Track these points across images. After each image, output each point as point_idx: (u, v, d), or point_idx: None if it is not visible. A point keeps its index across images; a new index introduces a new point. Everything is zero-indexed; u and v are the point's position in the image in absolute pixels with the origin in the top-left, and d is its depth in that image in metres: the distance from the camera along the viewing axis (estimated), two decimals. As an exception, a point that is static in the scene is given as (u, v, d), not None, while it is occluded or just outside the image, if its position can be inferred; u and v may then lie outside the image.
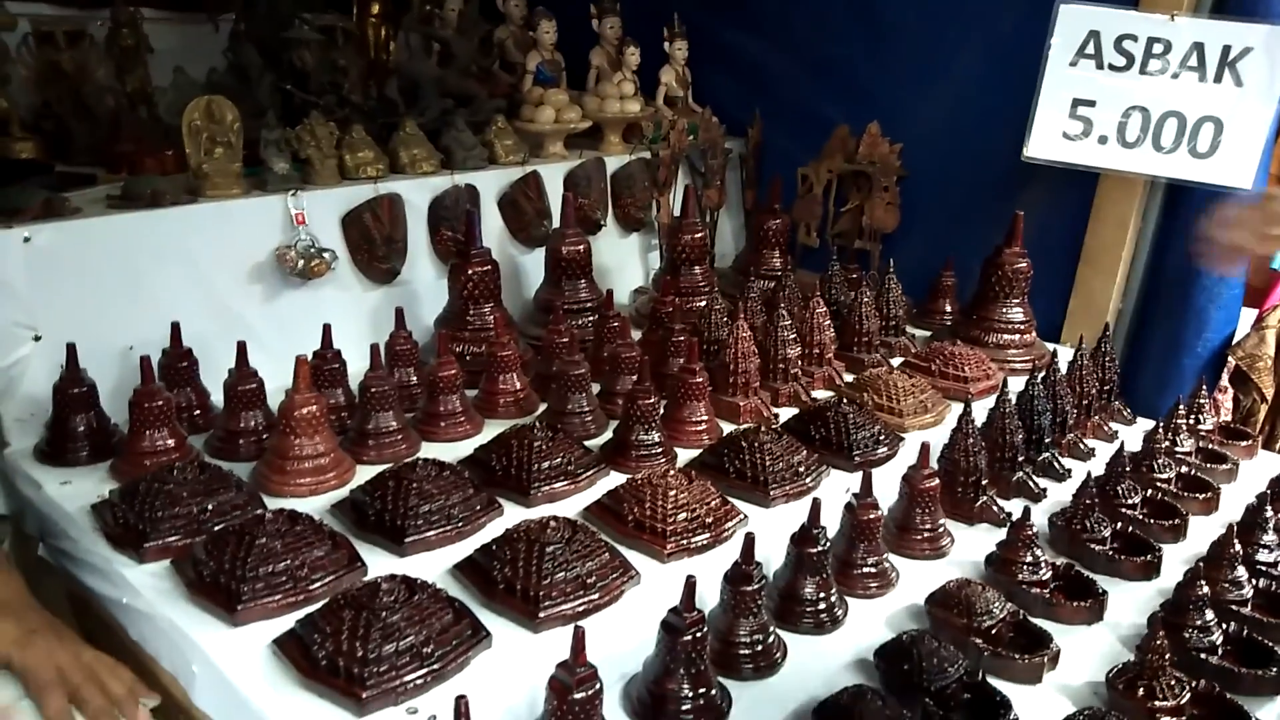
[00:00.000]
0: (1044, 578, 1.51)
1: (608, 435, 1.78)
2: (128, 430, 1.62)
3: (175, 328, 1.74)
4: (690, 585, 1.19)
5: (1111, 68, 2.19)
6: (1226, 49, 2.11)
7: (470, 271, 2.00)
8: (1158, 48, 2.16)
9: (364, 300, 2.11)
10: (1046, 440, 1.94)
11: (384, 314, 1.99)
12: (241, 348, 1.68)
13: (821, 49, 2.84)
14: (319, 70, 2.35)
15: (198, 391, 1.78)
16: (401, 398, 1.80)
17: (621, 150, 2.68)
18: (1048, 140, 2.24)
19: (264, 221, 1.94)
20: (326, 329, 1.78)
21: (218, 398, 1.76)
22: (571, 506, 1.56)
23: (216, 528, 1.36)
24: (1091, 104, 2.21)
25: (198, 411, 1.78)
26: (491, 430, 1.76)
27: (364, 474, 1.60)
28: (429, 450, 1.72)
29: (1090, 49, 2.19)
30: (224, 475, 1.47)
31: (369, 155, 2.14)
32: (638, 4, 2.84)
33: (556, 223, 2.28)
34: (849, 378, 2.14)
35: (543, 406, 1.90)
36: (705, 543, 1.44)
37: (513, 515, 1.51)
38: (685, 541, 1.42)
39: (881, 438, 1.82)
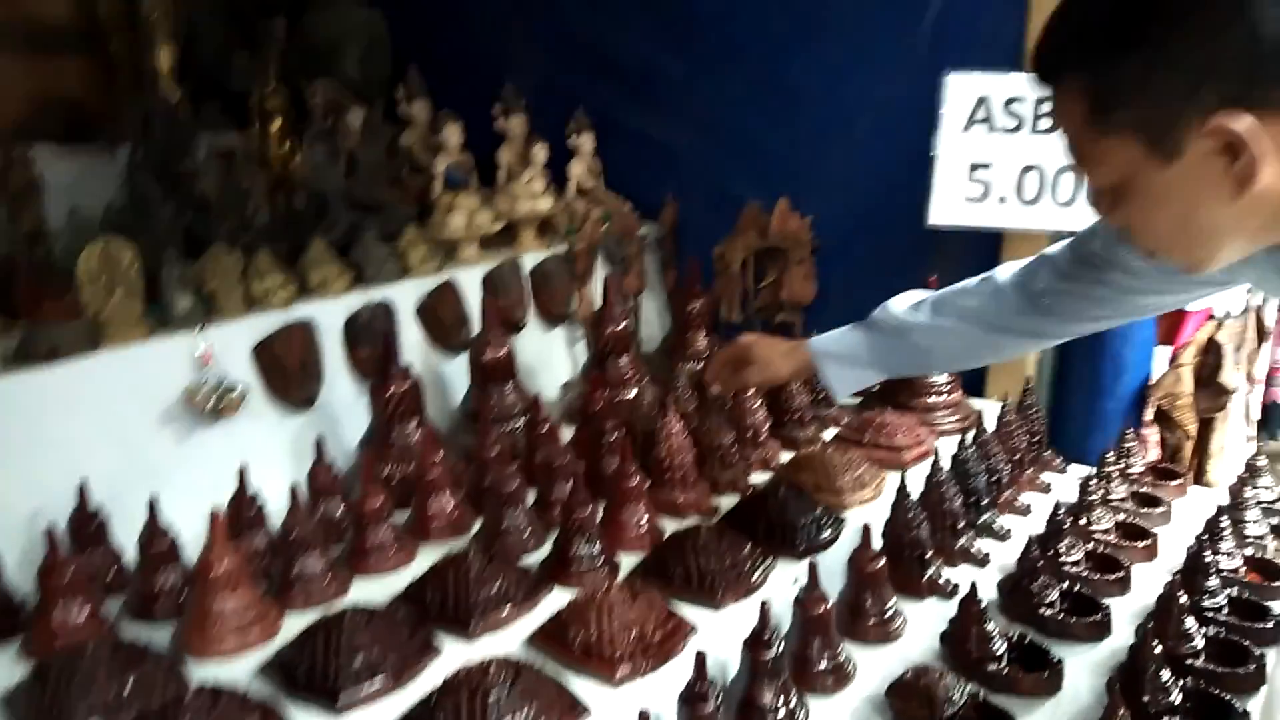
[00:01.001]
0: (999, 652, 1.50)
1: (548, 548, 1.73)
2: (36, 604, 1.51)
3: (82, 488, 1.65)
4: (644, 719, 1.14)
5: (1003, 130, 2.26)
6: (1108, 103, 2.19)
7: (391, 391, 1.95)
8: (1045, 107, 2.24)
9: (282, 430, 2.04)
10: (984, 502, 1.95)
11: (304, 442, 1.92)
12: (152, 505, 1.60)
13: (727, 127, 2.90)
14: (221, 195, 2.30)
15: (110, 552, 1.68)
16: (328, 534, 1.72)
17: (538, 247, 2.67)
18: (949, 205, 2.30)
19: (170, 363, 1.87)
20: (243, 472, 1.71)
21: (135, 553, 1.67)
22: (515, 633, 1.50)
23: (134, 713, 1.27)
24: (988, 166, 2.27)
25: (113, 572, 1.68)
26: (425, 556, 1.70)
27: (292, 622, 1.52)
28: (360, 587, 1.65)
29: (981, 114, 2.27)
30: (140, 650, 1.38)
31: (277, 280, 2.09)
32: (542, 99, 2.87)
33: (477, 328, 2.25)
34: (785, 456, 2.13)
35: (478, 521, 1.84)
36: (655, 663, 1.40)
37: (453, 653, 1.44)
38: (635, 664, 1.38)
39: (823, 521, 1.81)
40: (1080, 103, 1.03)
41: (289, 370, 2.04)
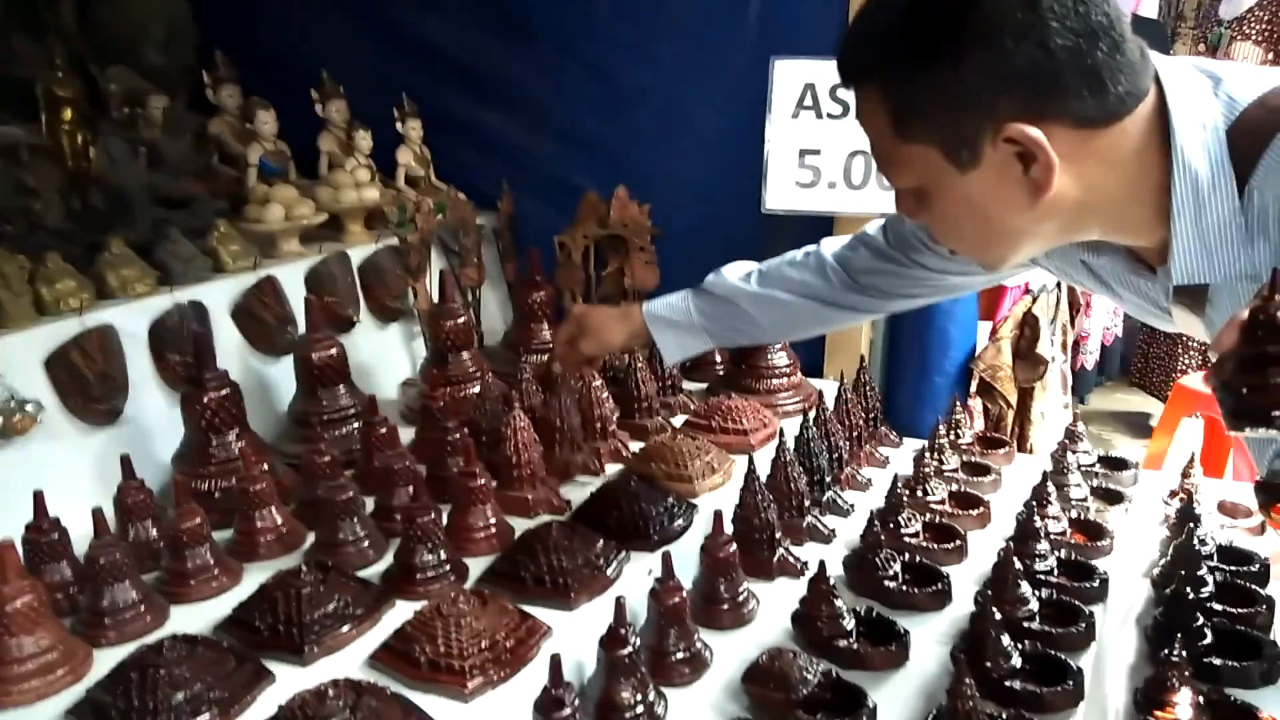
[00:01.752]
0: (848, 628, 1.52)
1: (389, 559, 1.63)
2: None
3: None
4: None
5: (829, 116, 2.31)
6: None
7: (206, 399, 1.79)
8: (867, 95, 2.30)
9: (84, 449, 1.85)
10: (827, 479, 1.99)
11: (110, 461, 1.74)
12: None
13: (561, 116, 2.85)
14: (4, 195, 2.06)
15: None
16: (140, 559, 1.56)
17: (366, 239, 2.54)
18: (782, 191, 2.34)
19: (-55, 379, 1.66)
20: (39, 498, 1.53)
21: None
22: (355, 654, 1.40)
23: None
24: (817, 152, 2.32)
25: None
26: (253, 577, 1.57)
27: (104, 659, 1.37)
28: (179, 616, 1.51)
29: (808, 100, 2.31)
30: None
31: (70, 285, 1.89)
32: (363, 85, 2.73)
33: (302, 328, 2.11)
34: (635, 446, 2.11)
35: (311, 536, 1.72)
36: (509, 671, 1.33)
37: (287, 679, 1.33)
38: (487, 674, 1.31)
39: (676, 510, 1.79)
40: (880, 109, 1.05)
41: (88, 382, 1.84)
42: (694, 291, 1.75)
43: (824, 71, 2.30)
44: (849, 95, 2.28)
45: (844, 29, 2.30)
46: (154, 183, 2.29)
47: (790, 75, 2.31)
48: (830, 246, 1.63)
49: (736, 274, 1.71)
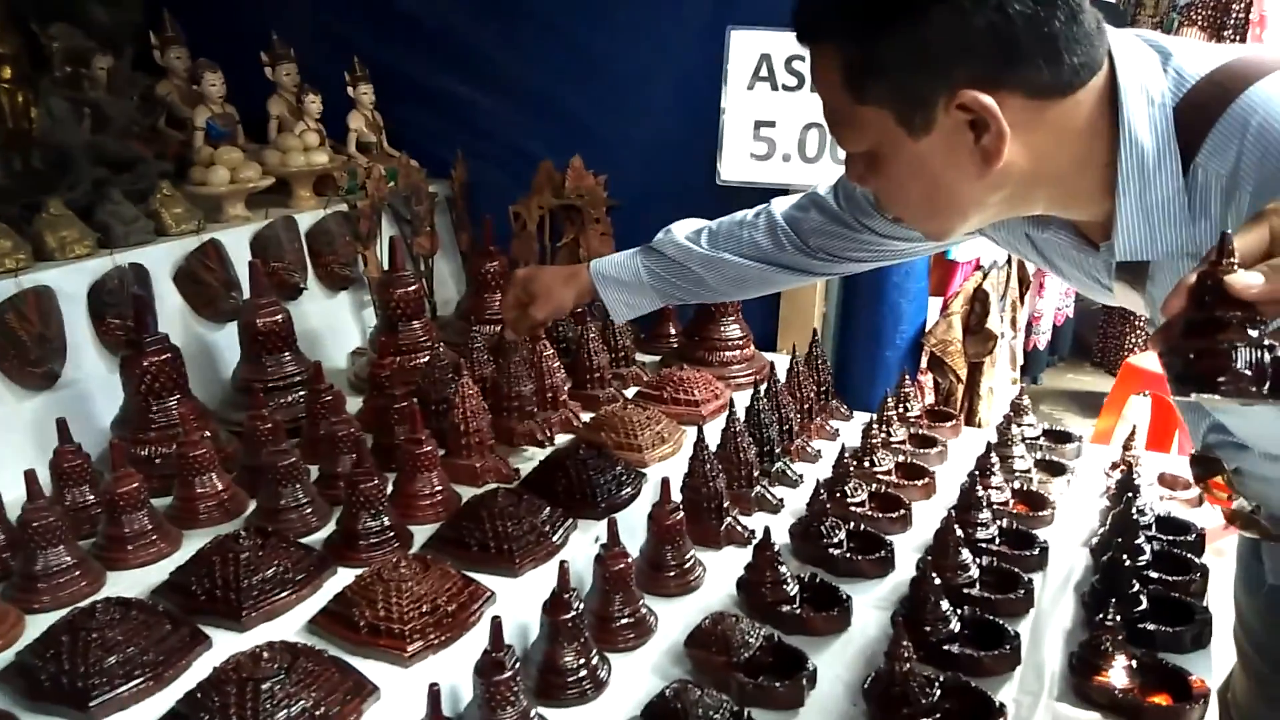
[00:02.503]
0: (792, 593, 1.54)
1: (334, 526, 1.62)
2: None
3: None
4: (434, 695, 1.08)
5: (785, 88, 2.31)
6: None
7: (146, 363, 1.75)
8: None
9: (20, 413, 1.80)
10: (777, 450, 2.00)
11: (47, 425, 1.70)
12: None
13: (517, 83, 2.81)
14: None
15: None
16: (77, 524, 1.53)
17: (315, 205, 2.49)
18: (737, 163, 2.33)
19: None
20: (-33, 460, 1.49)
21: None
22: (295, 620, 1.38)
23: None
24: (772, 125, 2.32)
25: None
26: (193, 544, 1.54)
27: (37, 626, 1.34)
28: (116, 582, 1.48)
29: (764, 71, 2.30)
30: None
31: (5, 245, 1.83)
32: (314, 48, 2.67)
33: (247, 293, 2.07)
34: (586, 417, 2.10)
35: (254, 504, 1.70)
36: (450, 636, 1.32)
37: (225, 645, 1.31)
38: (427, 638, 1.30)
39: (624, 479, 1.79)
40: (836, 69, 1.04)
41: (24, 344, 1.79)
42: (643, 250, 1.73)
43: (780, 43, 2.29)
44: (805, 65, 2.31)
45: (800, -1, 2.32)
46: (96, 143, 2.23)
47: (746, 46, 2.29)
48: (780, 206, 1.62)
49: (685, 232, 1.69)
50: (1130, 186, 1.01)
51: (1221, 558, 1.66)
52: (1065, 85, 0.99)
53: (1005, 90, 0.97)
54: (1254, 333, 0.72)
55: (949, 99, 0.98)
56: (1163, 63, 1.02)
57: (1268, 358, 0.71)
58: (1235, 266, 0.73)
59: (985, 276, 2.74)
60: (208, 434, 1.69)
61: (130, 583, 1.48)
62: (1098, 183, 1.04)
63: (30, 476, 1.45)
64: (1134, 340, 5.36)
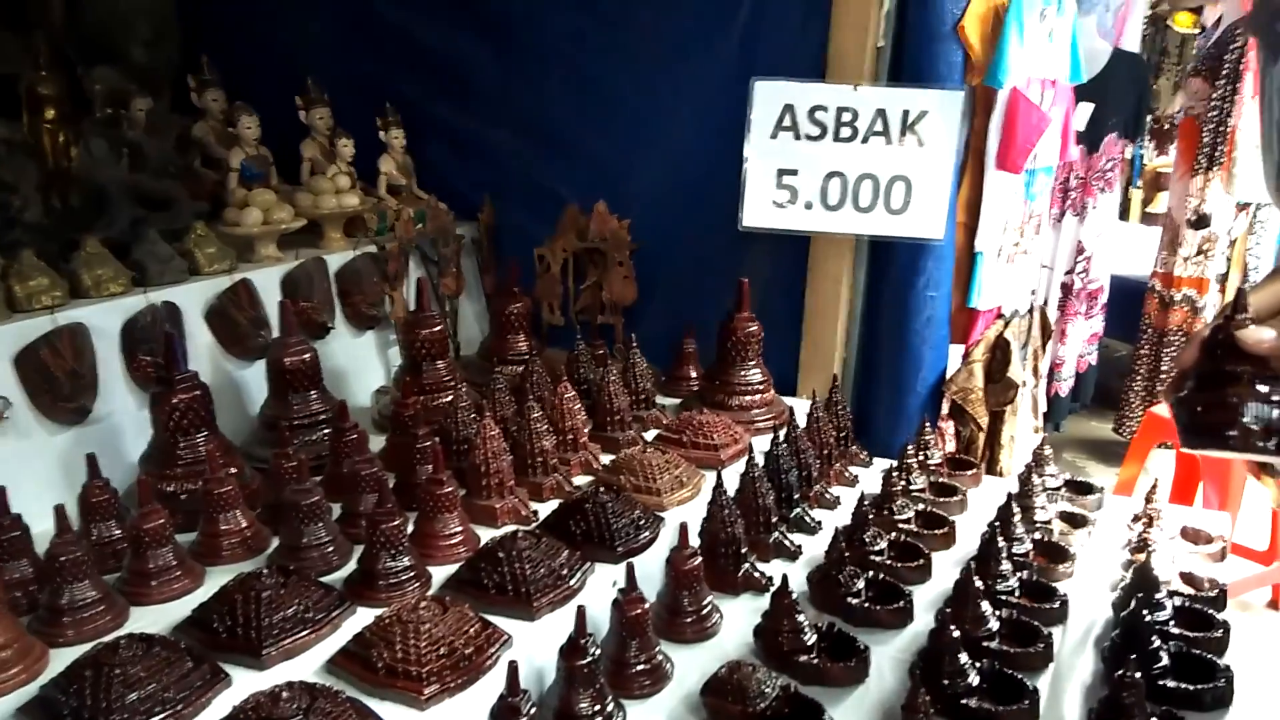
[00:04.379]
0: (809, 642, 1.53)
1: (354, 565, 1.63)
2: None
3: None
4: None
5: (808, 137, 2.33)
6: (906, 113, 2.31)
7: (175, 400, 1.79)
8: (846, 116, 2.33)
9: (51, 447, 1.84)
10: (795, 496, 2.00)
11: (77, 460, 1.73)
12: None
13: (545, 130, 2.87)
14: (-16, 190, 2.06)
15: None
16: (102, 559, 1.56)
17: (345, 246, 2.54)
18: (760, 209, 2.36)
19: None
20: (0, 494, 1.52)
21: None
22: (314, 659, 1.40)
23: None
24: (794, 172, 2.34)
25: None
26: (215, 580, 1.56)
27: (61, 660, 1.36)
28: (140, 617, 1.50)
29: (787, 121, 2.33)
30: None
31: (43, 282, 1.88)
32: (348, 93, 2.74)
33: (276, 332, 2.11)
34: (606, 459, 2.11)
35: (276, 540, 1.72)
36: (467, 679, 1.33)
37: (244, 683, 1.33)
38: (444, 681, 1.31)
39: (642, 522, 1.79)
40: None
41: (57, 380, 1.84)
42: None
43: (803, 93, 2.32)
44: (827, 115, 2.31)
45: (823, 53, 2.35)
46: (134, 183, 2.29)
47: (770, 96, 2.33)
48: None
49: None
50: None
51: (1246, 612, 1.64)
52: None
53: None
54: (1264, 388, 0.72)
55: None
56: None
57: (1275, 413, 0.71)
58: (1248, 322, 0.73)
59: (1007, 325, 2.74)
60: (233, 470, 1.72)
61: (154, 618, 1.50)
62: None
63: (59, 512, 1.47)
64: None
